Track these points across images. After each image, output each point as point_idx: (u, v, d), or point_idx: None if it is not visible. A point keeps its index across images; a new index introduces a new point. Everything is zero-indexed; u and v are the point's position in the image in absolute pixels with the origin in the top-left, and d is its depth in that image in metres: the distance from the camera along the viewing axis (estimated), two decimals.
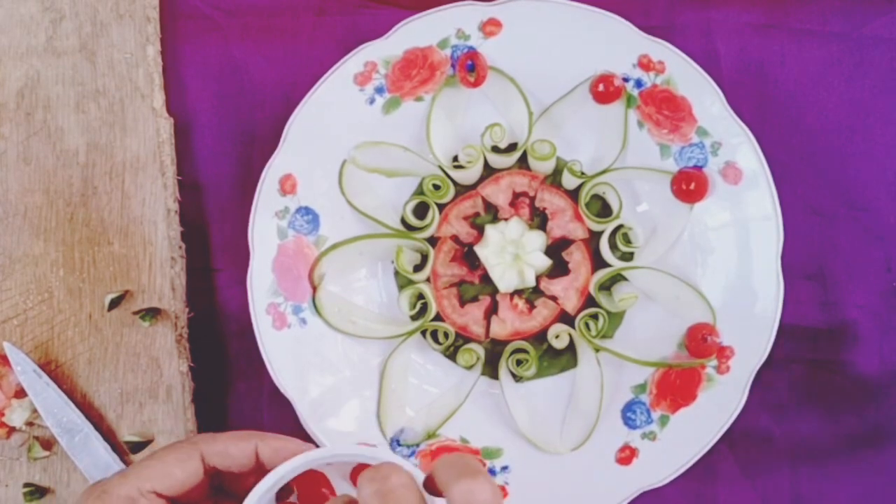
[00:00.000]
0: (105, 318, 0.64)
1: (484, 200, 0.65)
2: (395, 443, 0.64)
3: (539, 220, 0.65)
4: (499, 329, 0.64)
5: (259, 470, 0.48)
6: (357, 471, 0.50)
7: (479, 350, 0.65)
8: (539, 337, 0.65)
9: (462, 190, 0.65)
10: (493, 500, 0.38)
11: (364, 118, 0.64)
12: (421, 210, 0.65)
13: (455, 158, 0.65)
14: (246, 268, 0.62)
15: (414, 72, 0.64)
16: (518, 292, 0.65)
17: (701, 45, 0.65)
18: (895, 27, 0.65)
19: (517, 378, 0.65)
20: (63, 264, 0.65)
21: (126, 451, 0.63)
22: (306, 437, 0.62)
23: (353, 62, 0.63)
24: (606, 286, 0.65)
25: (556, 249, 0.65)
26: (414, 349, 0.65)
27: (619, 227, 0.64)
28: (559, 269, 0.65)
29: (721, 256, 0.63)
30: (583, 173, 0.64)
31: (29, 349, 0.64)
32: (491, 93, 0.64)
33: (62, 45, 0.65)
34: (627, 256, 0.64)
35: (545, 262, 0.64)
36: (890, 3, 0.65)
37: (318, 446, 0.53)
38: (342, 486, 0.51)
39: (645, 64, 0.62)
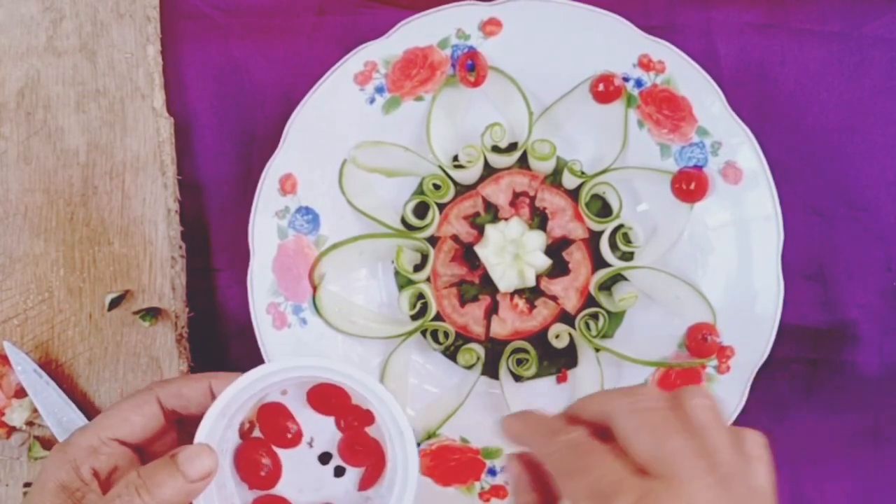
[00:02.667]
0: (105, 317, 0.64)
1: (484, 200, 0.65)
2: None
3: (539, 219, 0.65)
4: (499, 329, 0.64)
5: None
6: (313, 394, 0.51)
7: (480, 350, 0.65)
8: (539, 336, 0.65)
9: (462, 190, 0.65)
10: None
11: (364, 118, 0.64)
12: (421, 210, 0.65)
13: (455, 158, 0.65)
14: (246, 268, 0.62)
15: (414, 71, 0.64)
16: (518, 292, 0.65)
17: (701, 45, 0.65)
18: (895, 27, 0.65)
19: (517, 378, 0.65)
20: (63, 264, 0.65)
21: None
22: None
23: (353, 62, 0.63)
24: (606, 286, 0.65)
25: (556, 249, 0.65)
26: (414, 349, 0.65)
27: (620, 226, 0.64)
28: (559, 268, 0.65)
29: (721, 256, 0.63)
30: (583, 173, 0.64)
31: (29, 349, 0.64)
32: (491, 92, 0.64)
33: (62, 45, 0.65)
34: (627, 256, 0.64)
35: (545, 262, 0.64)
36: (890, 3, 0.65)
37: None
38: (303, 414, 0.51)
39: (645, 64, 0.62)
